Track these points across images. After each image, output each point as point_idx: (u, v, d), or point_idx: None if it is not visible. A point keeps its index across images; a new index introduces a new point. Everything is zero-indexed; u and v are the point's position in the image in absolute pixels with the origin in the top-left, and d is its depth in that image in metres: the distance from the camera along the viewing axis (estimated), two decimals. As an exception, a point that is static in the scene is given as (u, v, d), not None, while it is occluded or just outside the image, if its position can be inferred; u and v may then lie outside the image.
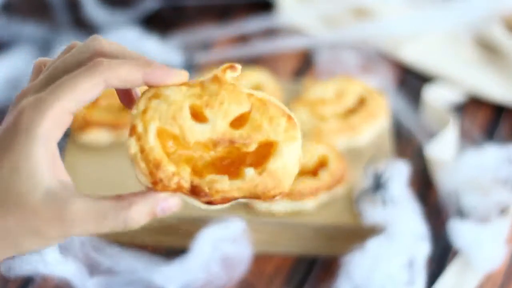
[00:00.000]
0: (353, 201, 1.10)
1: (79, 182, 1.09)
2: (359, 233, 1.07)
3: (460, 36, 1.43)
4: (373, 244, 1.02)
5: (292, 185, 1.09)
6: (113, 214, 0.63)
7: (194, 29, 1.45)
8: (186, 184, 0.66)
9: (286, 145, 0.67)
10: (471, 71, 1.37)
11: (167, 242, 1.09)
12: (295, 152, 0.67)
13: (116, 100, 1.20)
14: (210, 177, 0.66)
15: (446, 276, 1.07)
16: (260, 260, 1.08)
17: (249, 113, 0.67)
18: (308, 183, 1.09)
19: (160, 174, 0.65)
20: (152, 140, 0.65)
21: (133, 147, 0.65)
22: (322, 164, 1.12)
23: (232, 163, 0.67)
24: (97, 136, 1.18)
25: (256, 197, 0.67)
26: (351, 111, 1.22)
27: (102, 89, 0.63)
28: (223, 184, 0.66)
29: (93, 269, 1.03)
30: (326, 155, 1.13)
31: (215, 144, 0.66)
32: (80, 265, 1.03)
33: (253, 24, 1.45)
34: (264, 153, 0.67)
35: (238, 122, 0.67)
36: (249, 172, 0.66)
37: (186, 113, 0.66)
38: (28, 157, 0.61)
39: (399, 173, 1.10)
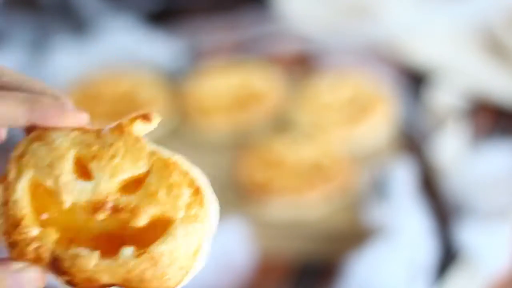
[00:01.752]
0: (353, 202, 1.10)
1: None
2: (359, 234, 1.07)
3: (465, 36, 1.43)
4: (374, 246, 1.02)
5: (292, 185, 1.10)
6: None
7: (189, 22, 1.45)
8: (46, 254, 0.50)
9: (184, 226, 0.51)
10: (475, 71, 1.37)
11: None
12: (193, 239, 0.51)
13: None
14: (76, 250, 0.50)
15: (449, 277, 1.06)
16: (259, 261, 1.08)
17: (145, 175, 0.52)
18: (308, 184, 1.09)
19: (17, 236, 0.50)
20: (19, 192, 0.51)
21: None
22: (321, 164, 1.12)
23: (113, 238, 0.51)
24: None
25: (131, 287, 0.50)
26: (352, 110, 1.22)
27: None
28: (88, 261, 0.50)
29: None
30: (326, 155, 1.13)
31: (95, 209, 0.51)
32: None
33: (253, 24, 1.45)
34: (159, 233, 0.51)
35: (133, 186, 0.52)
36: (126, 252, 0.50)
37: (67, 164, 0.52)
38: None
39: (401, 174, 1.10)
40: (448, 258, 1.09)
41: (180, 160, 0.53)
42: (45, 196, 0.52)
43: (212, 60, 1.39)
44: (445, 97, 1.32)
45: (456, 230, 1.08)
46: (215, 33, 1.45)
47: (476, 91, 1.33)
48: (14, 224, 0.51)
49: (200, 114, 1.23)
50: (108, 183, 0.51)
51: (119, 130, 0.53)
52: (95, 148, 0.52)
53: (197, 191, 0.52)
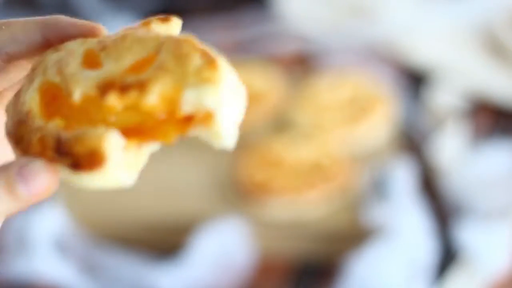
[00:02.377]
0: (353, 202, 1.10)
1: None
2: (360, 234, 1.07)
3: (465, 36, 1.43)
4: (374, 246, 1.02)
5: (292, 185, 1.10)
6: None
7: (191, 21, 1.45)
8: (51, 141, 0.45)
9: (193, 89, 0.45)
10: (476, 71, 1.37)
11: (166, 242, 1.09)
12: (207, 101, 0.45)
13: None
14: (80, 128, 0.45)
15: (450, 278, 1.06)
16: (259, 261, 1.08)
17: (155, 54, 0.47)
18: (308, 184, 1.09)
19: (22, 129, 0.46)
20: (28, 94, 0.48)
21: (8, 104, 0.49)
22: (321, 164, 1.12)
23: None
24: None
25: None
26: (352, 110, 1.22)
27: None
28: (92, 132, 0.45)
29: (90, 269, 1.03)
30: (326, 155, 1.13)
31: (103, 92, 0.46)
32: (77, 265, 1.02)
33: (253, 24, 1.45)
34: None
35: (142, 68, 0.47)
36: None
37: (76, 58, 0.48)
38: None
39: (401, 174, 1.10)
40: (448, 258, 1.09)
41: (195, 39, 0.47)
42: (55, 96, 0.47)
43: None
44: (445, 97, 1.32)
45: (456, 230, 1.08)
46: (215, 33, 1.45)
47: (476, 91, 1.33)
48: (20, 120, 0.47)
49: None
50: (116, 66, 0.47)
51: (131, 29, 0.49)
52: (106, 42, 0.48)
53: (211, 60, 0.46)
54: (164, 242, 1.09)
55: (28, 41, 0.50)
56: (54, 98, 0.47)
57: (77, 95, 0.46)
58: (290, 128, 1.22)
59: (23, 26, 0.50)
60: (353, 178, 1.13)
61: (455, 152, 1.21)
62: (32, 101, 0.47)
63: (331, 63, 1.37)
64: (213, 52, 0.47)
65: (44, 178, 0.45)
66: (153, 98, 0.45)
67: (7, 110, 0.48)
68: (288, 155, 1.14)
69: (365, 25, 1.43)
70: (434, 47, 1.41)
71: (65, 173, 0.45)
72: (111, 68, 0.47)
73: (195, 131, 0.45)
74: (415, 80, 1.37)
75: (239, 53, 1.41)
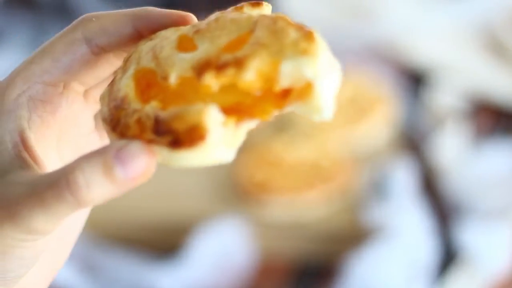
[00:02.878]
0: (353, 203, 1.10)
1: None
2: (360, 235, 1.07)
3: (465, 36, 1.43)
4: (374, 246, 1.02)
5: (292, 185, 1.10)
6: (54, 191, 0.44)
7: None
8: (149, 122, 0.44)
9: (291, 61, 0.44)
10: (476, 71, 1.37)
11: (166, 242, 1.09)
12: (306, 71, 0.44)
13: None
14: (179, 106, 0.45)
15: (450, 278, 1.06)
16: (259, 261, 1.08)
17: (250, 33, 0.46)
18: (308, 184, 1.09)
19: (119, 112, 0.46)
20: (123, 81, 0.47)
21: (103, 93, 0.48)
22: (322, 164, 1.12)
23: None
24: None
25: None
26: (352, 110, 1.22)
27: (85, 48, 0.50)
28: (193, 109, 0.44)
29: (90, 268, 1.03)
30: (325, 155, 1.13)
31: (200, 72, 0.45)
32: (77, 264, 1.02)
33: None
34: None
35: (237, 46, 0.46)
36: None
37: (170, 43, 0.48)
38: None
39: (401, 174, 1.09)
40: (448, 258, 1.09)
41: (288, 16, 0.47)
42: (150, 81, 0.47)
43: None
44: (445, 97, 1.32)
45: (456, 230, 1.08)
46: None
47: (477, 91, 1.33)
48: (116, 106, 0.46)
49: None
50: (211, 47, 0.46)
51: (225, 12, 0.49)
52: (199, 26, 0.48)
53: (307, 33, 0.45)
54: (164, 242, 1.09)
55: (118, 33, 0.50)
56: (150, 83, 0.47)
57: (173, 78, 0.46)
58: (290, 128, 1.22)
59: (114, 18, 0.50)
60: (353, 178, 1.13)
61: (455, 152, 1.21)
62: (127, 87, 0.47)
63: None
64: (308, 26, 0.46)
65: (142, 160, 0.44)
66: (251, 74, 0.44)
67: (101, 99, 0.48)
68: (288, 155, 1.14)
69: (365, 25, 1.43)
70: (434, 47, 1.41)
71: (163, 154, 0.44)
72: (206, 49, 0.46)
73: (292, 106, 0.45)
74: (415, 80, 1.37)
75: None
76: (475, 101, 1.33)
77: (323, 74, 0.44)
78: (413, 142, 1.25)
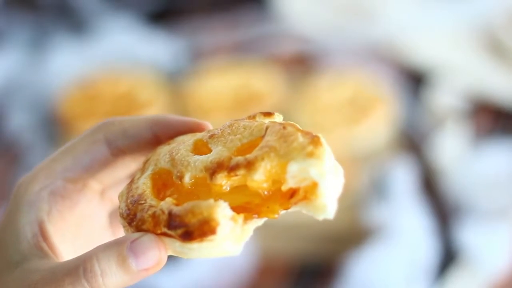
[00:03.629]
0: (353, 202, 1.10)
1: None
2: (360, 234, 1.07)
3: (465, 36, 1.43)
4: (374, 246, 1.02)
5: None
6: (71, 278, 0.49)
7: (191, 21, 1.45)
8: (164, 216, 0.48)
9: (298, 162, 0.48)
10: (476, 71, 1.37)
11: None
12: (311, 172, 0.48)
13: None
14: (192, 201, 0.49)
15: (450, 278, 1.06)
16: (259, 261, 1.08)
17: (261, 138, 0.50)
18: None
19: (136, 207, 0.50)
20: (141, 180, 0.51)
21: (122, 191, 0.53)
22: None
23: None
24: None
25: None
26: (352, 110, 1.22)
27: (105, 149, 0.54)
28: (203, 203, 0.48)
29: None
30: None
31: (213, 173, 0.49)
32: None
33: (253, 24, 1.45)
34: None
35: (248, 151, 0.50)
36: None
37: (186, 146, 0.52)
38: (10, 228, 0.53)
39: (401, 174, 1.10)
40: (448, 258, 1.09)
41: (296, 124, 0.50)
42: (166, 181, 0.51)
43: (212, 60, 1.39)
44: (445, 97, 1.32)
45: (456, 230, 1.08)
46: (215, 33, 1.45)
47: (476, 91, 1.33)
48: (134, 201, 0.50)
49: (200, 114, 1.23)
50: (224, 150, 0.50)
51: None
52: (214, 131, 0.52)
53: (314, 138, 0.49)
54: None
55: (138, 137, 0.54)
56: (166, 182, 0.51)
57: (187, 178, 0.49)
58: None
59: (135, 123, 0.54)
60: (353, 178, 1.13)
61: (455, 152, 1.21)
62: (145, 185, 0.50)
63: (331, 63, 1.37)
64: (315, 133, 0.49)
65: (154, 252, 0.48)
66: (260, 174, 0.48)
67: (120, 196, 0.52)
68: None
69: (365, 25, 1.43)
70: (434, 47, 1.41)
71: (174, 247, 0.48)
72: (219, 151, 0.50)
73: (298, 206, 0.49)
74: (415, 80, 1.37)
75: (239, 53, 1.41)
76: (475, 101, 1.33)
77: (328, 175, 0.48)
78: (413, 142, 1.25)
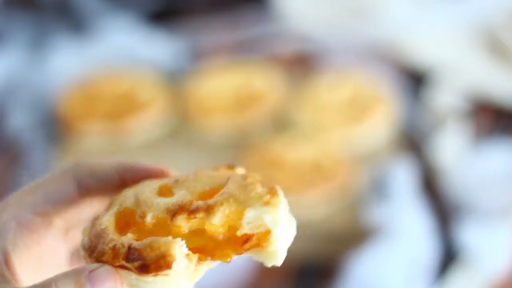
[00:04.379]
0: (353, 202, 1.10)
1: None
2: (360, 234, 1.07)
3: (465, 36, 1.43)
4: (374, 246, 1.02)
5: (292, 185, 1.10)
6: None
7: (191, 21, 1.45)
8: (123, 249, 0.51)
9: (255, 209, 0.52)
10: (476, 71, 1.37)
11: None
12: (265, 219, 0.52)
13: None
14: (151, 238, 0.52)
15: (450, 278, 1.07)
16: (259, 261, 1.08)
17: (222, 186, 0.54)
18: (308, 184, 1.09)
19: (97, 241, 0.53)
20: (105, 217, 0.55)
21: (86, 226, 0.56)
22: (322, 164, 1.12)
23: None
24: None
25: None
26: (352, 111, 1.22)
27: (74, 188, 0.57)
28: (162, 240, 0.51)
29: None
30: (326, 155, 1.13)
31: (174, 214, 0.53)
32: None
33: (253, 24, 1.45)
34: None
35: (209, 196, 0.54)
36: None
37: (151, 189, 0.56)
38: None
39: (401, 174, 1.10)
40: (448, 258, 1.09)
41: (257, 175, 0.55)
42: (128, 219, 0.54)
43: (212, 60, 1.39)
44: (445, 97, 1.32)
45: (456, 230, 1.08)
46: (215, 33, 1.45)
47: (476, 91, 1.33)
48: (96, 234, 0.53)
49: (200, 114, 1.23)
50: (187, 194, 0.54)
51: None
52: (179, 178, 0.56)
53: (272, 188, 0.53)
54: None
55: (106, 179, 0.57)
56: (128, 221, 0.54)
57: (149, 217, 0.53)
58: (290, 128, 1.22)
59: (103, 166, 0.58)
60: (353, 178, 1.13)
61: (455, 152, 1.21)
62: (108, 222, 0.54)
63: (331, 63, 1.37)
64: (273, 185, 0.54)
65: (110, 283, 0.51)
66: (218, 218, 0.52)
67: (83, 231, 0.55)
68: (288, 155, 1.14)
69: (365, 25, 1.43)
70: (434, 47, 1.41)
71: (130, 279, 0.52)
72: (182, 195, 0.53)
73: (250, 252, 0.52)
74: (415, 80, 1.37)
75: (239, 53, 1.41)
76: (476, 101, 1.33)
77: (281, 223, 0.52)
78: (413, 142, 1.25)
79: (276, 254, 0.52)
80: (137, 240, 0.52)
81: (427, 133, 1.26)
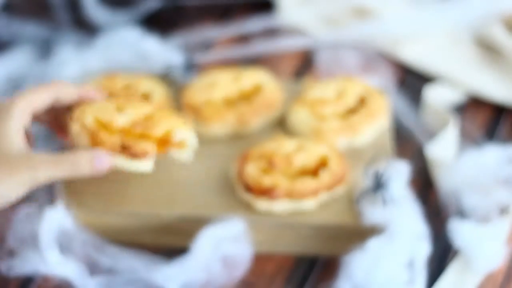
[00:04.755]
0: (353, 201, 1.10)
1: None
2: (359, 233, 1.07)
3: (461, 36, 1.43)
4: (373, 244, 1.02)
5: (293, 184, 1.10)
6: (65, 160, 0.93)
7: (194, 29, 1.45)
8: (118, 143, 0.97)
9: (181, 129, 1.02)
10: (472, 72, 1.37)
11: (167, 242, 1.09)
12: (181, 135, 1.01)
13: None
14: (137, 141, 0.98)
15: (446, 276, 1.07)
16: (260, 260, 1.08)
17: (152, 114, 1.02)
18: (309, 183, 1.09)
19: (100, 136, 0.96)
20: (89, 120, 0.98)
21: (75, 126, 0.98)
22: (322, 164, 1.12)
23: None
24: None
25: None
26: (351, 111, 1.22)
27: (52, 102, 0.99)
28: (143, 143, 0.98)
29: (93, 268, 1.03)
30: (326, 155, 1.13)
31: (132, 127, 1.00)
32: (81, 264, 1.03)
33: (253, 24, 1.46)
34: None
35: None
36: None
37: (112, 107, 1.00)
38: (7, 127, 0.93)
39: (399, 173, 1.10)
40: (446, 257, 1.09)
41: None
42: (102, 126, 0.99)
43: (212, 60, 1.39)
44: (444, 97, 1.32)
45: (454, 230, 1.09)
46: (215, 33, 1.45)
47: (476, 91, 1.34)
48: (94, 133, 0.97)
49: (199, 114, 1.23)
50: (133, 114, 1.01)
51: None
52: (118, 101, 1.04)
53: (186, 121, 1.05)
54: (164, 242, 1.10)
55: (71, 100, 1.03)
56: (105, 126, 0.99)
57: (116, 122, 1.01)
58: (290, 129, 1.22)
59: (73, 89, 1.03)
60: (354, 178, 1.13)
61: (453, 151, 1.21)
62: (92, 124, 0.99)
63: (331, 63, 1.37)
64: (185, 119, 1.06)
65: (108, 160, 0.96)
66: (160, 132, 1.01)
67: (74, 119, 1.00)
68: (288, 155, 1.14)
69: (365, 25, 1.44)
70: (434, 48, 1.42)
71: (120, 160, 0.97)
72: (131, 113, 1.02)
73: (173, 150, 1.02)
74: (414, 80, 1.37)
75: (239, 53, 1.41)
76: (474, 101, 1.33)
77: (191, 136, 1.02)
78: (412, 142, 1.26)
79: (189, 154, 1.03)
80: (122, 138, 0.97)
81: (427, 133, 1.26)
